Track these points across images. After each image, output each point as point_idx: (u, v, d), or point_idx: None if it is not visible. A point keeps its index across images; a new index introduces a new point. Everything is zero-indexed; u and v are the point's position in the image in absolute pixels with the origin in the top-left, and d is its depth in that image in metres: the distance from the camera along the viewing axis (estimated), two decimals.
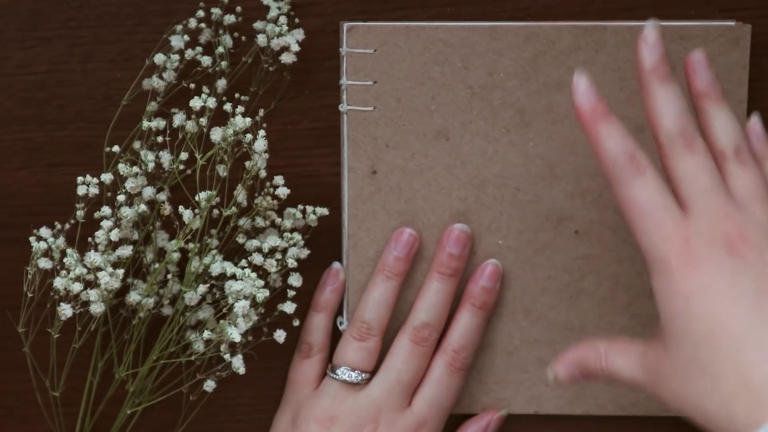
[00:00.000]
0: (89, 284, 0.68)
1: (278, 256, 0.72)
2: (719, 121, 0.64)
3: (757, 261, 0.60)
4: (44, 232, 0.70)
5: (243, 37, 0.74)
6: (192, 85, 0.72)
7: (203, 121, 0.70)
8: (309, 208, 0.74)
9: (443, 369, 0.74)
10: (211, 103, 0.70)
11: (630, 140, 0.63)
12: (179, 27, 0.73)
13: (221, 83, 0.73)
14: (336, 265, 0.76)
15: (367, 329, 0.74)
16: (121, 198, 0.70)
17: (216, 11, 0.73)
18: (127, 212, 0.70)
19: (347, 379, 0.73)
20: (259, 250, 0.72)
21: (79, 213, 0.71)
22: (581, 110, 0.63)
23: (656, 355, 0.62)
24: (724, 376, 0.58)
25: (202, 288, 0.71)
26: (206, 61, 0.73)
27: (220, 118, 0.70)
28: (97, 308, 0.68)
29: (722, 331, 0.59)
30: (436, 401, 0.74)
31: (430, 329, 0.74)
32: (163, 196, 0.73)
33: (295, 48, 0.73)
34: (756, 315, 0.58)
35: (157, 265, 0.72)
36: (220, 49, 0.73)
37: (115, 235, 0.69)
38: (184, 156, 0.71)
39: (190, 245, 0.70)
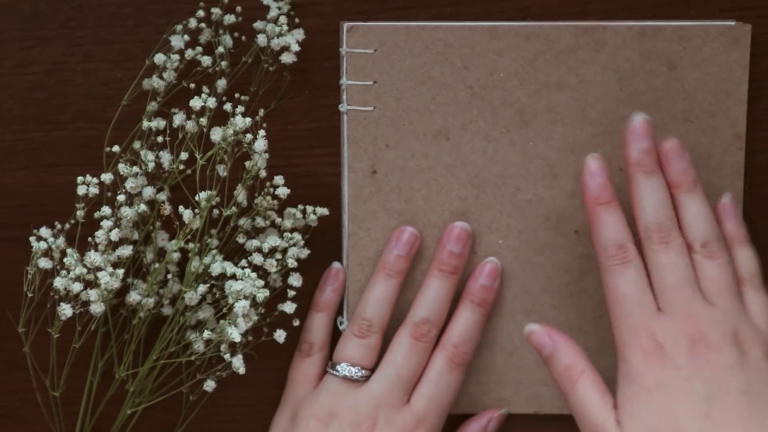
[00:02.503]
0: (89, 284, 0.68)
1: (278, 256, 0.72)
2: (690, 213, 0.70)
3: (715, 362, 0.66)
4: (44, 232, 0.70)
5: (243, 37, 0.74)
6: (192, 85, 0.73)
7: (203, 121, 0.70)
8: (309, 208, 0.74)
9: (443, 365, 0.74)
10: (211, 103, 0.70)
11: (623, 231, 0.69)
12: (179, 27, 0.73)
13: (221, 83, 0.73)
14: (336, 265, 0.76)
15: (368, 326, 0.73)
16: (121, 198, 0.70)
17: (216, 11, 0.73)
18: (127, 212, 0.70)
19: (347, 374, 0.73)
20: (259, 250, 0.72)
21: (79, 213, 0.71)
22: (587, 193, 0.70)
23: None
24: None
25: (202, 288, 0.71)
26: (206, 61, 0.73)
27: (220, 118, 0.70)
28: (97, 308, 0.68)
29: (676, 430, 0.65)
30: (435, 398, 0.73)
31: (430, 325, 0.73)
32: (163, 196, 0.73)
33: (295, 48, 0.73)
34: (705, 419, 0.65)
35: (157, 265, 0.72)
36: (220, 49, 0.73)
37: (115, 235, 0.69)
38: (184, 156, 0.71)
39: (190, 245, 0.70)
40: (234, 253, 0.73)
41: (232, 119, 0.69)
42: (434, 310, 0.74)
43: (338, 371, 0.73)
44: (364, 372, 0.73)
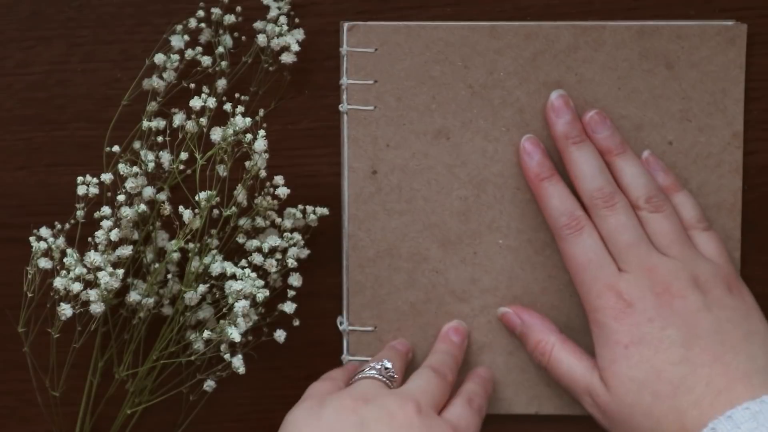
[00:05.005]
0: (89, 284, 0.68)
1: (278, 256, 0.72)
2: (627, 173, 0.73)
3: (682, 309, 0.69)
4: (44, 232, 0.70)
5: (243, 37, 0.74)
6: (192, 85, 0.72)
7: (203, 121, 0.70)
8: (309, 208, 0.74)
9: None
10: (211, 103, 0.70)
11: (570, 199, 0.72)
12: (179, 27, 0.73)
13: (221, 83, 0.73)
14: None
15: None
16: (121, 198, 0.70)
17: (216, 11, 0.73)
18: (127, 212, 0.70)
19: (384, 366, 0.71)
20: (259, 250, 0.72)
21: (79, 213, 0.71)
22: (527, 171, 0.73)
23: (599, 392, 0.70)
24: (664, 418, 0.68)
25: (202, 288, 0.71)
26: (206, 61, 0.73)
27: (220, 118, 0.70)
28: (97, 308, 0.68)
29: (659, 379, 0.68)
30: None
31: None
32: (163, 196, 0.73)
33: (295, 48, 0.73)
34: (685, 363, 0.68)
35: (157, 265, 0.72)
36: (220, 49, 0.73)
37: (115, 235, 0.69)
38: (184, 156, 0.71)
39: (190, 245, 0.70)
40: (234, 253, 0.73)
41: (232, 119, 0.69)
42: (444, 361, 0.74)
43: (371, 369, 0.71)
44: (395, 375, 0.71)
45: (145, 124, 0.72)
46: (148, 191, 0.71)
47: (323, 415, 0.67)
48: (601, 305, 0.70)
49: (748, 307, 0.71)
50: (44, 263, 0.69)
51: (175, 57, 0.72)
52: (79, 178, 0.70)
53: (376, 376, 0.70)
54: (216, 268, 0.71)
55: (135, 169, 0.70)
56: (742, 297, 0.71)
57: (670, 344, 0.68)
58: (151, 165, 0.72)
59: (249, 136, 0.69)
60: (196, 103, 0.70)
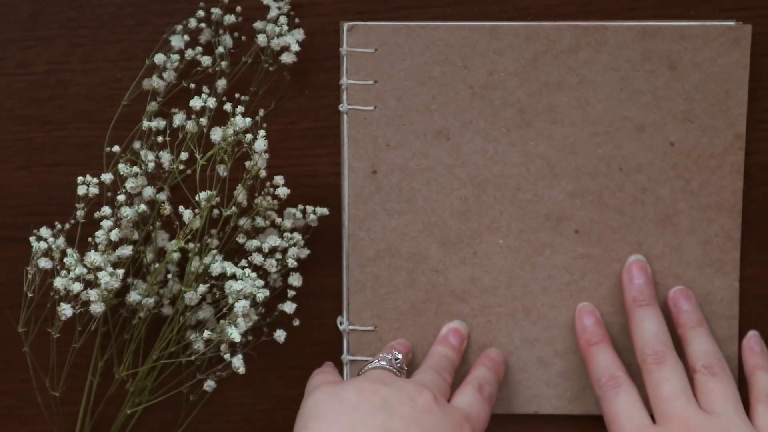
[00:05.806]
0: (89, 284, 0.68)
1: (278, 256, 0.72)
2: (694, 342, 0.72)
3: None
4: (44, 232, 0.70)
5: (243, 37, 0.74)
6: (192, 85, 0.73)
7: (203, 121, 0.70)
8: (309, 208, 0.74)
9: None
10: (211, 103, 0.70)
11: (614, 362, 0.72)
12: (179, 27, 0.73)
13: (221, 83, 0.73)
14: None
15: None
16: (121, 198, 0.70)
17: (216, 11, 0.73)
18: (127, 212, 0.70)
19: (391, 357, 0.72)
20: (259, 250, 0.72)
21: (79, 213, 0.71)
22: (580, 336, 0.74)
23: None
24: None
25: (202, 288, 0.71)
26: (206, 61, 0.73)
27: (220, 118, 0.71)
28: (97, 308, 0.68)
29: None
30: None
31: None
32: (163, 196, 0.73)
33: (295, 48, 0.73)
34: None
35: (157, 265, 0.72)
36: (220, 49, 0.73)
37: (115, 235, 0.69)
38: (184, 156, 0.71)
39: (190, 245, 0.70)
40: (234, 253, 0.73)
41: (232, 119, 0.69)
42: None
43: (380, 360, 0.71)
44: (404, 366, 0.72)
45: (145, 124, 0.72)
46: (148, 191, 0.71)
47: (345, 396, 0.68)
48: None
49: None
50: (44, 263, 0.69)
51: (175, 57, 0.72)
52: (79, 178, 0.70)
53: (387, 366, 0.71)
54: (216, 268, 0.71)
55: (135, 169, 0.70)
56: None
57: None
58: (151, 165, 0.72)
59: (249, 136, 0.69)
60: (196, 103, 0.70)
